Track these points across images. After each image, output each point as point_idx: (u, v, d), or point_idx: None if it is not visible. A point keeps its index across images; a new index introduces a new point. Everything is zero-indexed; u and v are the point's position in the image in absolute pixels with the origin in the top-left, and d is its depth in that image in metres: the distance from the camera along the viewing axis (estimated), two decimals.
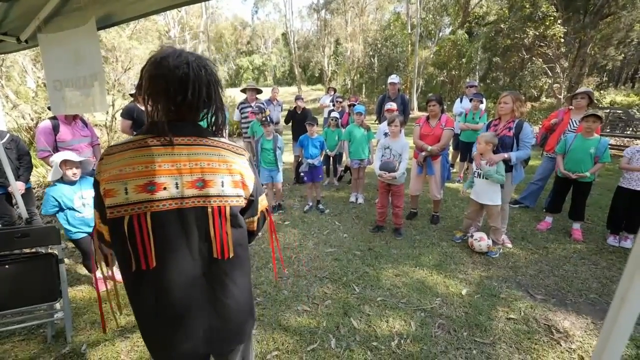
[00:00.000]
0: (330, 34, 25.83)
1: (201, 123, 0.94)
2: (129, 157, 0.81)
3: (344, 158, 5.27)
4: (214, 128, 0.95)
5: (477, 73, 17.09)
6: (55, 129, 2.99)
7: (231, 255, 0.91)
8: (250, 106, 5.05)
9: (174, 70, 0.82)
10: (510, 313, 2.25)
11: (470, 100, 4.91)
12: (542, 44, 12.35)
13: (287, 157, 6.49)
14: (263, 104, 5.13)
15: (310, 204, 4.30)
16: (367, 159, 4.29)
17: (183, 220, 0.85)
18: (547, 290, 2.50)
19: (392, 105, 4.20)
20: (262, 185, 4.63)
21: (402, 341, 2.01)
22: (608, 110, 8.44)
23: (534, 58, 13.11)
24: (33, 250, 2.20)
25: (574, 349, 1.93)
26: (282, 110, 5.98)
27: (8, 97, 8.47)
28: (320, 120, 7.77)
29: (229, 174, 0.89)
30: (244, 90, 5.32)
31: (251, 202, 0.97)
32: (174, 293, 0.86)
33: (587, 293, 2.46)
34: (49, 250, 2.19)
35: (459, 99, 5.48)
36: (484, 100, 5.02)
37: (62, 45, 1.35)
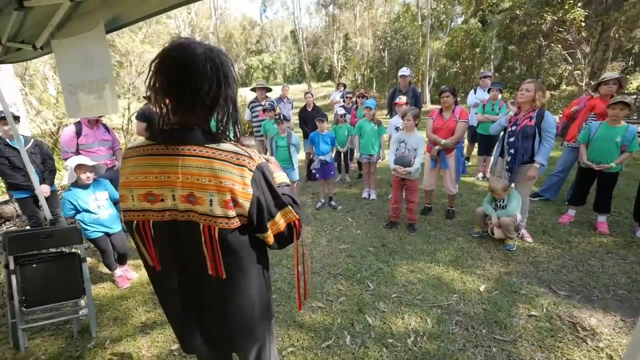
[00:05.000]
0: (339, 29, 25.57)
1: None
2: (134, 165, 0.83)
3: (355, 154, 5.23)
4: (220, 132, 0.86)
5: (491, 63, 16.53)
6: (78, 132, 3.14)
7: (223, 276, 0.86)
8: (261, 105, 5.07)
9: (179, 63, 0.76)
10: (532, 310, 2.17)
11: (489, 90, 4.74)
12: (561, 29, 11.79)
13: (299, 154, 6.50)
14: (273, 102, 5.15)
15: (323, 200, 4.29)
16: (377, 154, 4.24)
17: (180, 232, 0.83)
18: (571, 286, 2.40)
19: (401, 99, 4.11)
20: None
21: (418, 338, 1.98)
22: (635, 96, 7.99)
23: (552, 44, 12.53)
24: (58, 250, 2.29)
25: (602, 348, 1.85)
26: (292, 108, 5.98)
27: (32, 104, 8.85)
28: (331, 116, 7.74)
29: (217, 192, 0.78)
30: (253, 89, 5.35)
31: (253, 221, 0.84)
32: (175, 298, 0.91)
33: (615, 289, 2.35)
34: (73, 250, 2.28)
35: (472, 90, 5.31)
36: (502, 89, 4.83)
37: (74, 49, 1.38)
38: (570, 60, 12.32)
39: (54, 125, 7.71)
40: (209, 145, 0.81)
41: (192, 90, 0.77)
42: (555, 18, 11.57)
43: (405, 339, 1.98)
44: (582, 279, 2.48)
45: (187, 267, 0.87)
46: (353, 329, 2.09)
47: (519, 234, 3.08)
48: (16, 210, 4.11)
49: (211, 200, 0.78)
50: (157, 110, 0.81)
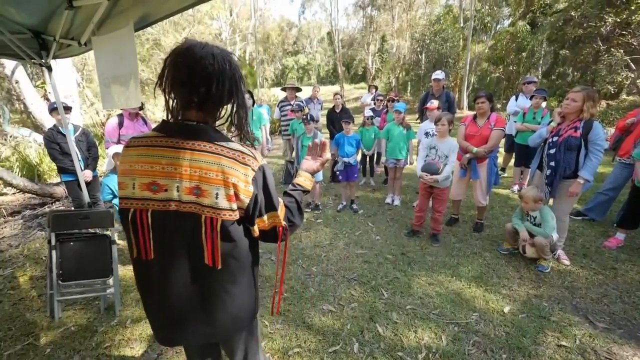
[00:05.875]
0: (375, 31, 25.22)
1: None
2: (140, 155, 0.86)
3: (382, 158, 5.12)
4: (234, 127, 0.91)
5: (540, 68, 15.34)
6: (120, 124, 3.38)
7: (219, 266, 0.89)
8: (290, 104, 5.15)
9: (200, 60, 0.80)
10: (562, 339, 1.97)
11: (531, 97, 4.40)
12: (624, 32, 10.63)
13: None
14: (302, 102, 5.20)
15: (344, 203, 4.24)
16: (405, 159, 4.11)
17: (180, 223, 0.86)
18: (612, 319, 2.14)
19: (432, 103, 3.94)
20: None
21: (430, 355, 1.88)
22: None
23: (612, 49, 11.32)
24: (92, 231, 2.49)
25: None
26: (322, 109, 6.00)
27: (87, 96, 9.76)
28: (361, 119, 7.66)
29: (224, 187, 0.83)
30: (284, 89, 5.45)
31: (247, 215, 0.90)
32: (168, 288, 0.91)
33: None
34: (105, 232, 2.46)
35: (514, 97, 4.96)
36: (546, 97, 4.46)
37: (109, 45, 1.52)
38: (634, 67, 11.06)
39: (104, 116, 8.44)
40: (219, 143, 0.86)
41: (216, 88, 0.82)
42: (618, 20, 10.45)
43: (416, 354, 1.89)
44: (626, 312, 2.20)
45: (183, 256, 0.88)
46: (362, 337, 2.04)
47: (554, 254, 2.82)
48: (65, 192, 4.54)
49: (217, 194, 0.84)
50: (170, 101, 0.86)
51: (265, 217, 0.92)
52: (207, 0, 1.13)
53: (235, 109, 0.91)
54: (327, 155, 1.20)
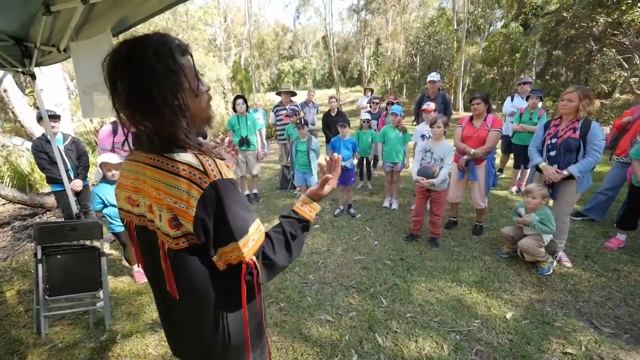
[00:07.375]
0: (370, 35, 25.41)
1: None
2: (123, 169, 0.85)
3: (379, 162, 5.08)
4: (156, 138, 0.72)
5: (533, 69, 15.47)
6: (114, 131, 3.31)
7: (177, 297, 0.77)
8: (285, 109, 5.10)
9: (110, 62, 0.71)
10: (568, 346, 1.91)
11: (527, 98, 4.38)
12: (616, 32, 10.74)
13: (322, 159, 6.45)
14: (297, 106, 5.15)
15: (341, 207, 4.18)
16: (401, 162, 4.06)
17: (152, 240, 0.79)
18: (617, 323, 2.09)
19: (429, 105, 3.91)
20: (296, 187, 4.68)
21: None
22: None
23: (605, 49, 11.43)
24: (81, 243, 2.41)
25: None
26: (317, 113, 5.96)
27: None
28: (357, 122, 7.62)
29: (163, 208, 0.71)
30: (278, 93, 5.41)
31: (203, 243, 0.72)
32: (159, 299, 0.91)
33: None
34: (94, 244, 2.38)
35: (509, 98, 4.94)
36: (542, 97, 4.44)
37: (87, 52, 1.47)
38: (626, 66, 11.16)
39: (98, 124, 8.35)
40: (168, 155, 0.72)
41: (122, 89, 0.70)
42: (610, 20, 10.56)
43: None
44: (631, 316, 2.15)
45: (159, 274, 0.82)
46: (361, 347, 1.97)
47: (555, 256, 2.77)
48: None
49: (160, 215, 0.72)
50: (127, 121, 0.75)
51: (227, 248, 0.71)
52: (184, 1, 1.09)
53: (149, 116, 0.70)
54: (336, 173, 0.95)
